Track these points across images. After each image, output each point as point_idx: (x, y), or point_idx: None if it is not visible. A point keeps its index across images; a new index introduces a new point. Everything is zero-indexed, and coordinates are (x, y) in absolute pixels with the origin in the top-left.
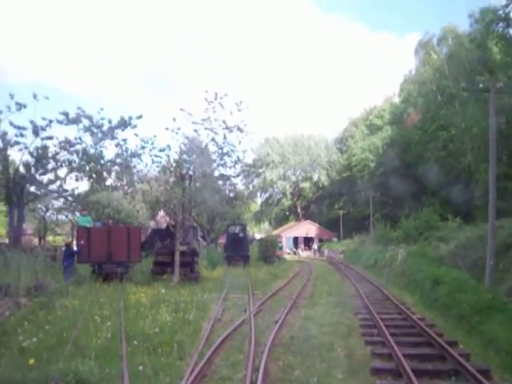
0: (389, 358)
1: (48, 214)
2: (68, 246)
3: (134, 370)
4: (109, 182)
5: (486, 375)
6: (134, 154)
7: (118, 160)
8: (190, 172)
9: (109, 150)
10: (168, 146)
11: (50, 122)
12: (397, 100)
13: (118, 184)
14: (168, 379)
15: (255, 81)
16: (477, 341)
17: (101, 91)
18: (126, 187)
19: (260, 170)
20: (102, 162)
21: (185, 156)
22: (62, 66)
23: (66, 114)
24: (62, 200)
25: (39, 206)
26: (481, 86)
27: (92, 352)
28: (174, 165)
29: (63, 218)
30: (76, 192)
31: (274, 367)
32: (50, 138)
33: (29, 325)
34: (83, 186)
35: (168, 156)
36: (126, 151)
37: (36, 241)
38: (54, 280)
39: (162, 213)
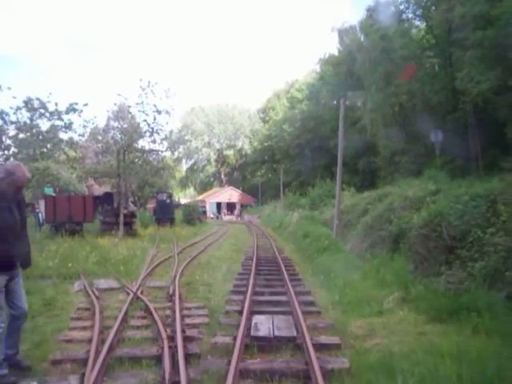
0: (249, 271)
1: None
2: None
3: (117, 270)
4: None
5: (298, 281)
6: (69, 126)
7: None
8: (118, 138)
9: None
10: (106, 125)
11: (17, 110)
12: (316, 75)
13: (45, 150)
14: (134, 275)
15: (182, 51)
16: (310, 265)
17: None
18: (55, 154)
19: (186, 138)
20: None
21: (112, 122)
22: None
23: (26, 103)
24: None
25: None
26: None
27: (90, 266)
28: (102, 132)
29: None
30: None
31: (186, 271)
32: (14, 122)
33: (44, 257)
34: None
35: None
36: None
37: None
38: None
39: (91, 181)
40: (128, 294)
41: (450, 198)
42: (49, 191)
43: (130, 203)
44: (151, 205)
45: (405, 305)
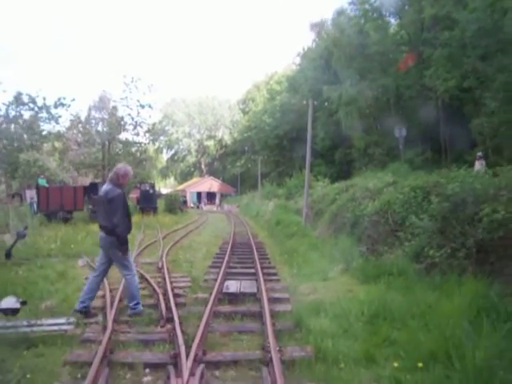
0: (225, 252)
1: None
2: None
3: None
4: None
5: (266, 259)
6: (52, 117)
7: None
8: (99, 129)
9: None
10: (88, 115)
11: (8, 106)
12: (295, 67)
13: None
14: None
15: (163, 42)
16: (279, 248)
17: None
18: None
19: (166, 129)
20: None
21: (94, 113)
22: None
23: (16, 98)
24: None
25: None
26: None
27: (88, 247)
28: (84, 123)
29: None
30: None
31: (171, 252)
32: (3, 116)
33: (46, 240)
34: None
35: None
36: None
37: None
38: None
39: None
40: None
41: (398, 189)
42: (42, 182)
43: None
44: (134, 195)
45: (345, 273)
